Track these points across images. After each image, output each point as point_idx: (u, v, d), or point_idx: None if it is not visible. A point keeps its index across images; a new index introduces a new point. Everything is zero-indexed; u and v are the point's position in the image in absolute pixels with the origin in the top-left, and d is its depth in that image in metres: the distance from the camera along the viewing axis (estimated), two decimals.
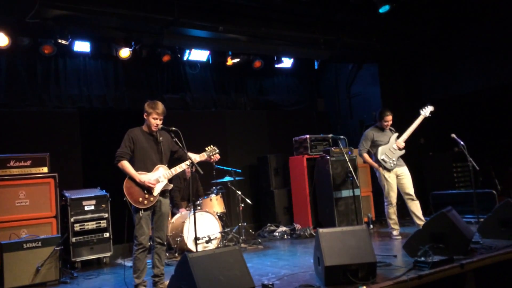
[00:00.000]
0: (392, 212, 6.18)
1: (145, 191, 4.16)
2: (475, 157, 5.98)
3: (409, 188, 6.10)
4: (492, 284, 4.40)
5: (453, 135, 6.05)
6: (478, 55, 7.91)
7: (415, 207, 6.07)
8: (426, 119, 6.19)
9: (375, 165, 6.17)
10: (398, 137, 6.16)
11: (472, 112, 8.55)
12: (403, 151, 6.16)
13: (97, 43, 7.01)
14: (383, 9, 6.48)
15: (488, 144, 8.41)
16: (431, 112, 6.19)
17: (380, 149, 6.14)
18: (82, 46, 6.77)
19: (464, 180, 8.23)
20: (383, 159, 6.11)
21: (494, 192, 6.81)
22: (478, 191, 6.28)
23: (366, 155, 6.27)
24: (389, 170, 6.09)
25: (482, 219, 5.67)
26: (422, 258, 4.15)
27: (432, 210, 7.33)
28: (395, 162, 6.10)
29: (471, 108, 8.41)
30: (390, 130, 6.31)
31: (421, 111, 6.20)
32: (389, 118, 6.20)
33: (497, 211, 5.33)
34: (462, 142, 5.95)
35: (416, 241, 4.63)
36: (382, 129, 6.27)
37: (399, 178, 6.14)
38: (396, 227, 6.22)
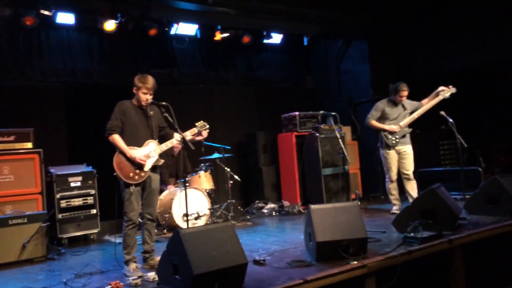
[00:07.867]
0: (392, 187, 6.17)
1: (136, 167, 4.07)
2: (460, 134, 5.97)
3: (407, 168, 6.03)
4: (479, 259, 4.49)
5: (442, 113, 6.01)
6: (468, 31, 7.87)
7: (411, 186, 6.04)
8: (444, 100, 5.93)
9: (384, 127, 6.01)
10: (410, 114, 6.02)
11: (459, 89, 8.56)
12: (410, 129, 6.07)
13: (81, 14, 6.76)
14: None
15: (473, 122, 8.48)
16: (451, 94, 5.94)
17: (386, 124, 6.06)
18: (65, 18, 6.53)
19: (450, 158, 8.32)
20: (385, 135, 6.04)
21: (479, 169, 6.87)
22: (464, 168, 6.33)
23: (373, 121, 6.11)
24: (389, 147, 6.04)
25: (468, 196, 5.74)
26: (412, 234, 4.20)
27: (418, 186, 7.41)
28: (397, 140, 6.00)
29: (459, 85, 8.42)
30: (403, 106, 6.12)
31: (440, 92, 5.95)
32: (404, 93, 5.99)
33: (484, 188, 5.40)
34: (451, 120, 5.96)
35: (405, 217, 4.68)
36: (395, 103, 6.11)
37: (401, 157, 6.05)
38: (397, 202, 6.21)
